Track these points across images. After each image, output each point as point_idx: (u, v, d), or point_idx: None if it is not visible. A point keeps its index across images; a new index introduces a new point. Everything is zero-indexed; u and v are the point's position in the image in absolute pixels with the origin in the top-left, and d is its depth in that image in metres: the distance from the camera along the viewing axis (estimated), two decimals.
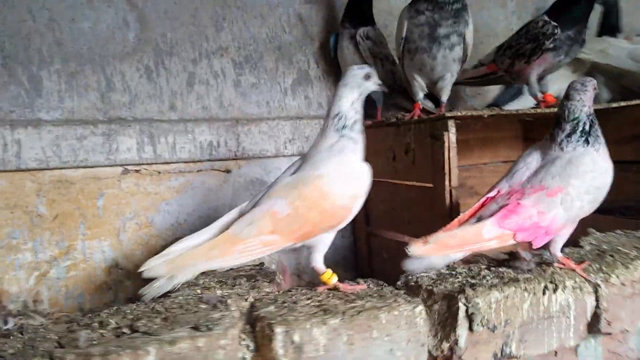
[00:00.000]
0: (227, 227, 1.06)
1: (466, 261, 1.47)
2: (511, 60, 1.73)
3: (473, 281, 1.16)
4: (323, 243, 1.13)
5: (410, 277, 1.21)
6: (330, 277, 1.14)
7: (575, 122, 1.23)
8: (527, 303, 1.12)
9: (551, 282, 1.15)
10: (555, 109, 1.63)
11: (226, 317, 0.95)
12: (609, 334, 1.23)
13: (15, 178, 1.40)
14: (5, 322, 1.21)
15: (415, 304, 1.04)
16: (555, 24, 1.61)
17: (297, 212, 1.05)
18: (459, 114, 1.37)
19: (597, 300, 1.21)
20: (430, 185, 1.42)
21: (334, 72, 1.86)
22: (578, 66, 2.06)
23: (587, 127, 1.23)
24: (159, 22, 1.61)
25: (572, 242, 1.43)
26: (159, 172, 1.58)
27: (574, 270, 1.20)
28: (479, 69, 1.90)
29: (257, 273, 1.33)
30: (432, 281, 1.17)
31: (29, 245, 1.42)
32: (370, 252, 1.78)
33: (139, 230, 1.56)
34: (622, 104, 1.69)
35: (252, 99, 1.74)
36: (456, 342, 1.05)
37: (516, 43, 1.71)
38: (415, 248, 1.09)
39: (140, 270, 0.99)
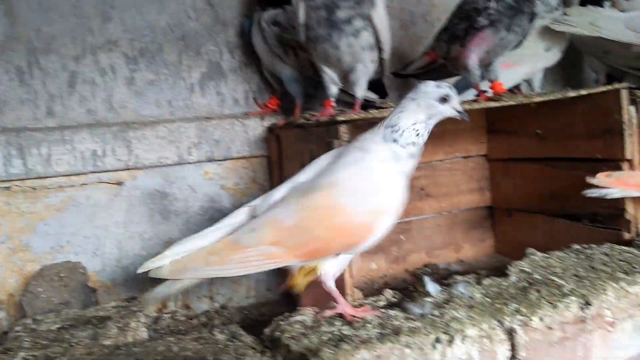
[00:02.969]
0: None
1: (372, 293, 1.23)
2: (447, 45, 1.44)
3: (347, 332, 0.92)
4: (335, 262, 0.96)
5: (280, 324, 0.98)
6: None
7: None
8: None
9: (445, 332, 0.91)
10: (502, 101, 1.35)
11: None
12: None
13: None
14: None
15: None
16: None
17: (302, 224, 0.90)
18: (355, 116, 1.11)
19: (513, 349, 0.96)
20: None
21: (254, 62, 1.62)
22: (553, 42, 1.75)
23: None
24: (32, 15, 1.39)
25: (499, 269, 1.17)
26: (34, 189, 1.38)
27: None
28: (422, 58, 1.62)
29: (120, 311, 1.12)
30: (302, 331, 0.95)
31: None
32: None
33: (13, 255, 1.37)
34: (591, 91, 1.39)
35: (149, 98, 1.52)
36: None
37: (451, 24, 1.43)
38: (598, 178, 1.24)
39: (139, 271, 0.93)
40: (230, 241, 0.92)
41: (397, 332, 0.89)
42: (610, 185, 1.26)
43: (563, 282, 1.06)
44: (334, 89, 1.34)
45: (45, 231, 1.40)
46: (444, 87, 0.96)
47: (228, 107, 1.60)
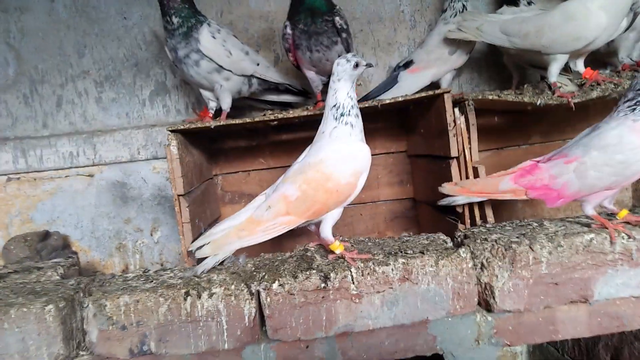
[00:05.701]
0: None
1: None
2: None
3: (133, 283, 1.31)
4: (333, 217, 1.31)
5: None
6: (337, 248, 1.31)
7: (636, 91, 1.24)
8: (164, 307, 1.24)
9: (194, 289, 1.24)
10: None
11: None
12: (280, 340, 1.26)
13: None
14: None
15: (45, 304, 1.25)
16: (288, 22, 1.59)
17: (305, 195, 1.24)
18: (182, 127, 1.48)
19: (259, 307, 1.25)
20: None
21: None
22: (457, 46, 1.86)
23: None
24: (31, 56, 1.99)
25: None
26: (35, 179, 1.99)
27: (605, 226, 1.27)
28: None
29: None
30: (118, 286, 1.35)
31: None
32: None
33: (22, 225, 1.99)
34: (419, 95, 1.55)
35: (112, 112, 2.03)
36: (84, 339, 1.24)
37: None
38: (446, 187, 1.40)
39: (189, 249, 1.34)
40: (254, 218, 1.26)
41: (156, 286, 1.26)
42: (456, 193, 1.40)
43: (318, 259, 1.31)
44: (211, 104, 1.71)
45: (43, 209, 2.00)
46: (351, 58, 1.26)
47: (172, 116, 2.05)
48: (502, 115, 1.93)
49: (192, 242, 1.49)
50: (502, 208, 1.86)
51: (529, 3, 1.87)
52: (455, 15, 1.87)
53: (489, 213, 1.51)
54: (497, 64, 2.05)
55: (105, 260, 2.03)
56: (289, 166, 2.02)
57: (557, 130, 1.98)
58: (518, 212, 1.96)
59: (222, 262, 1.35)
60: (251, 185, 2.03)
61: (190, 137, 1.66)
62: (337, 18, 1.57)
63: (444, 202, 1.44)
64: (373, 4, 2.06)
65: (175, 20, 1.54)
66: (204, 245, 1.29)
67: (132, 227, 2.03)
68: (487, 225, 1.45)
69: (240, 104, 1.92)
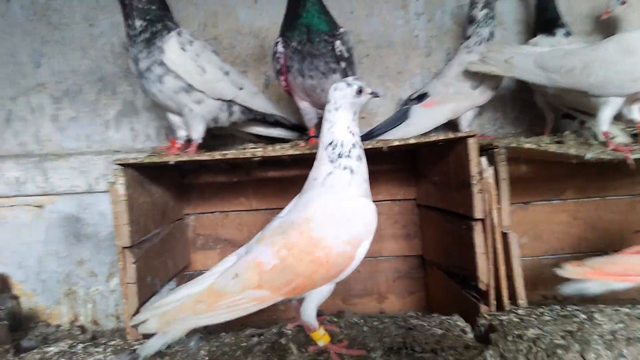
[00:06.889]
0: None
1: None
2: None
3: None
4: (320, 295, 0.97)
5: None
6: (321, 338, 1.00)
7: None
8: None
9: None
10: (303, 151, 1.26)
11: None
12: None
13: None
14: None
15: None
16: (280, 39, 1.30)
17: (284, 264, 0.92)
18: (132, 160, 1.17)
19: None
20: None
21: None
22: (481, 79, 1.56)
23: None
24: None
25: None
26: None
27: None
28: None
29: None
30: None
31: None
32: None
33: None
34: (435, 139, 1.23)
35: (70, 132, 1.72)
36: None
37: None
38: (568, 270, 1.04)
39: (131, 324, 0.97)
40: (216, 288, 0.93)
41: None
42: (582, 277, 1.03)
43: (294, 351, 0.98)
44: (180, 132, 1.39)
45: None
46: (353, 82, 0.99)
47: (141, 141, 1.74)
48: (529, 163, 1.62)
49: (138, 308, 1.17)
50: None
51: (568, 34, 1.59)
52: (481, 43, 1.57)
53: (521, 292, 1.18)
54: (526, 102, 1.75)
55: (51, 308, 1.70)
56: (275, 209, 1.75)
57: (595, 185, 1.67)
58: None
59: (169, 345, 1.02)
60: (229, 228, 1.70)
61: (151, 171, 1.35)
62: (338, 42, 1.27)
63: (569, 290, 1.05)
64: (383, 26, 1.76)
65: (138, 23, 1.24)
66: (149, 319, 0.95)
67: (86, 270, 1.70)
68: (519, 311, 1.13)
69: (220, 132, 1.61)
